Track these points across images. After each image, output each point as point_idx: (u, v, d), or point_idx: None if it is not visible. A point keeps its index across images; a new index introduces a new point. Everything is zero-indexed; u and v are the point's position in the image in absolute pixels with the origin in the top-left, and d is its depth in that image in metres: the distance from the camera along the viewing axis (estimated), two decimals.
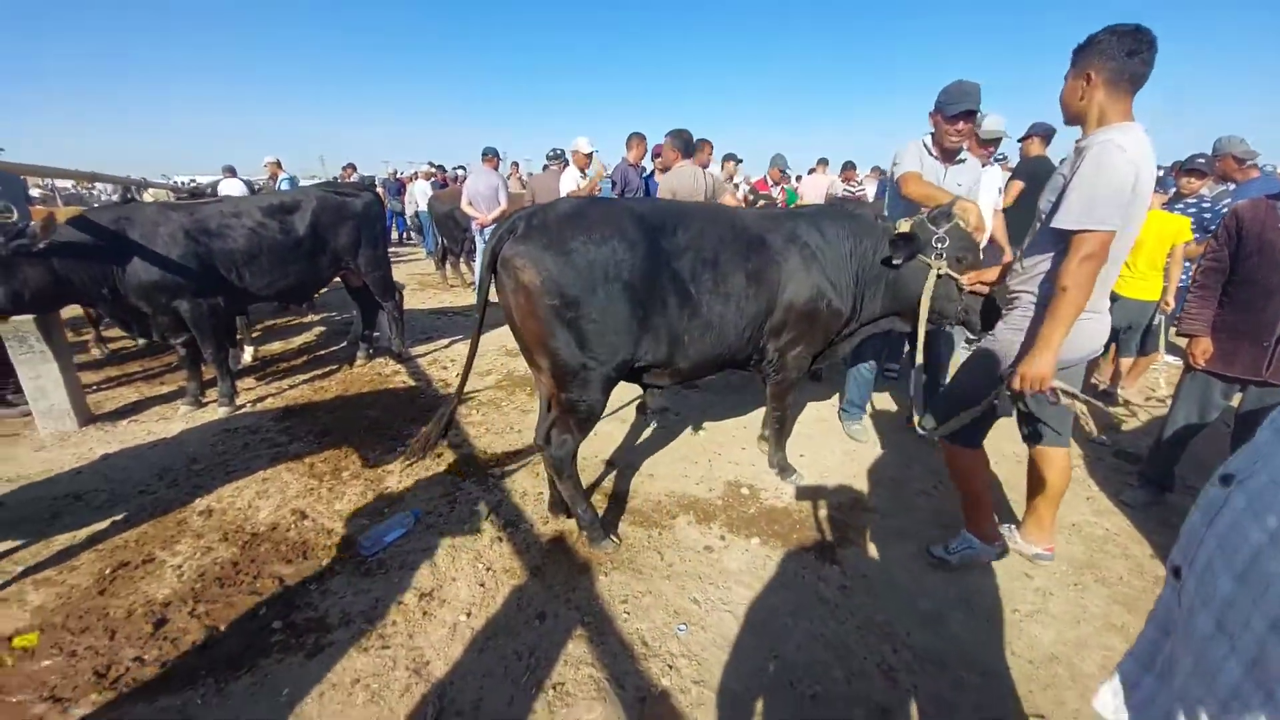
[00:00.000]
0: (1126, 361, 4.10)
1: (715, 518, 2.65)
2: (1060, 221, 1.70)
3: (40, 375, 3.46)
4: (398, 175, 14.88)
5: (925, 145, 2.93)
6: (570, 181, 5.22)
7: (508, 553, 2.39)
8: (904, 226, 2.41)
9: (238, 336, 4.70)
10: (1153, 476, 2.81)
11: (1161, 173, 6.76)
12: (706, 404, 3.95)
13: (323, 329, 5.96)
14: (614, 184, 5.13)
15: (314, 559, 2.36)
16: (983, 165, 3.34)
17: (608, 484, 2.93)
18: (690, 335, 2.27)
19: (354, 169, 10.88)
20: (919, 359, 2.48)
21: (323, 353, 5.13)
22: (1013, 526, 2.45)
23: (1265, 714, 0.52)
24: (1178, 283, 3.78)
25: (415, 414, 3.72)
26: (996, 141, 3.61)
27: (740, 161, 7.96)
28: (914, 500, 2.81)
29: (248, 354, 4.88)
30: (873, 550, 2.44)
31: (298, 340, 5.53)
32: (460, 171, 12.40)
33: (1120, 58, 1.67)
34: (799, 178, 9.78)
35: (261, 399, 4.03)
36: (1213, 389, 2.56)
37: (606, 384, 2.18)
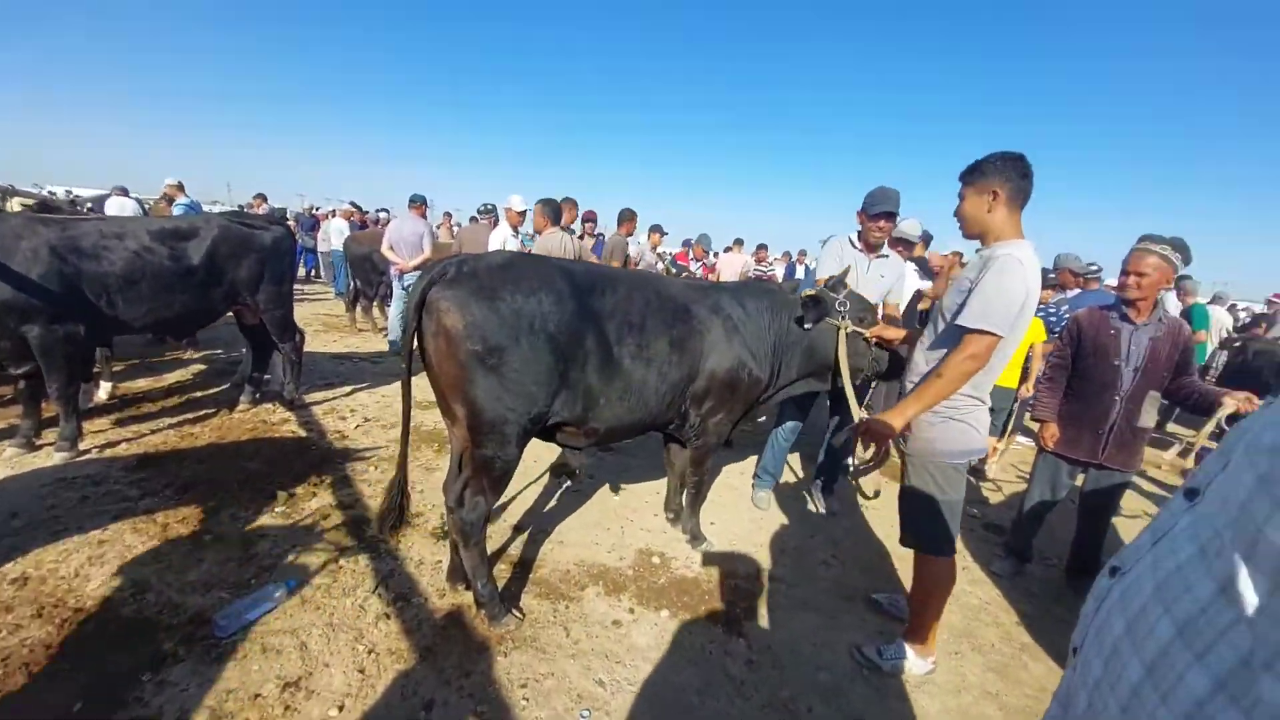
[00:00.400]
0: (993, 440, 4.60)
1: (625, 589, 2.58)
2: (962, 319, 1.88)
3: None
4: (313, 211, 14.18)
5: (850, 240, 3.30)
6: (501, 238, 5.18)
7: (395, 631, 2.16)
8: (809, 293, 2.65)
9: (95, 369, 4.10)
10: (1015, 548, 3.10)
11: None
12: (622, 467, 3.92)
13: (202, 367, 5.36)
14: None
15: (153, 642, 2.00)
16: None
17: (514, 551, 2.78)
18: (610, 396, 2.27)
19: (264, 199, 10.23)
20: (855, 410, 2.63)
21: (199, 394, 4.58)
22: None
23: None
24: (1036, 375, 4.36)
25: (303, 468, 3.38)
26: (910, 243, 4.10)
27: (665, 234, 8.41)
28: (816, 570, 2.89)
29: (103, 390, 4.26)
30: (778, 621, 2.46)
31: (170, 377, 4.92)
32: (384, 214, 12.04)
33: (1016, 179, 1.89)
34: (716, 254, 10.45)
35: (113, 444, 3.49)
36: (1060, 469, 2.91)
37: (522, 438, 2.12)
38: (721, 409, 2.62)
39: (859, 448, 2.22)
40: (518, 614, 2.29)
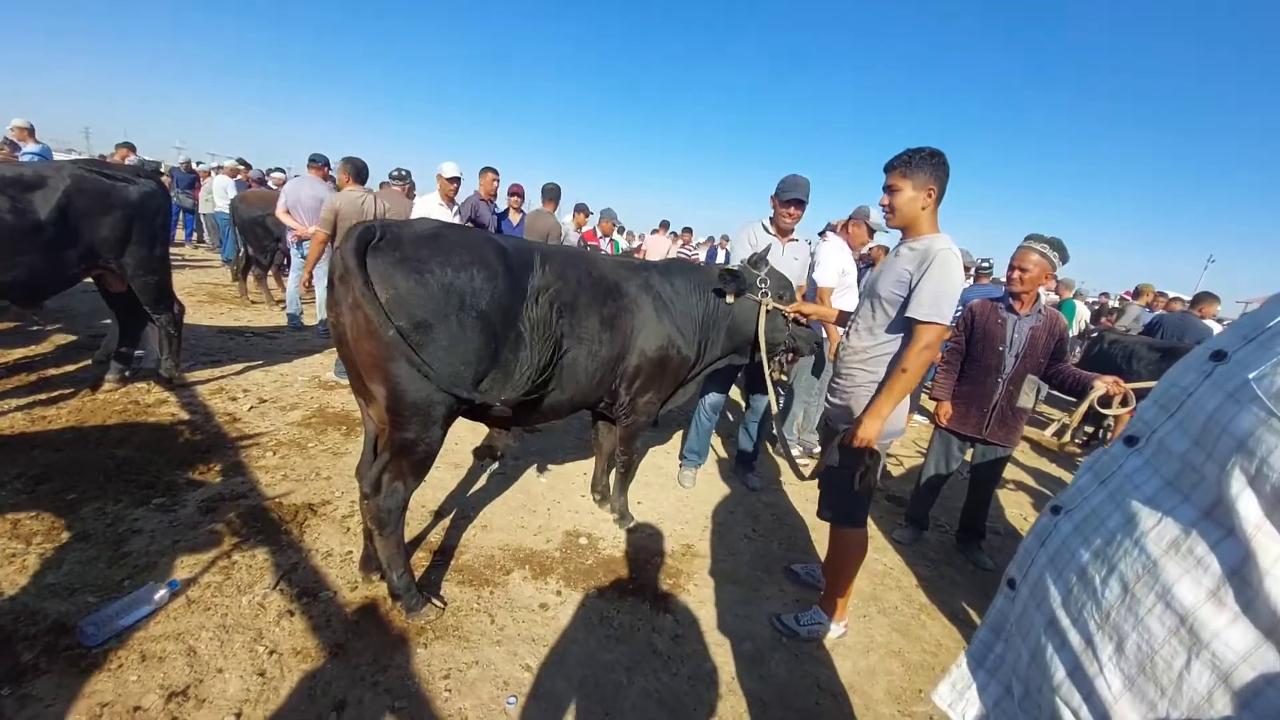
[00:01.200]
0: None
1: (553, 571, 2.54)
2: (913, 312, 1.97)
3: None
4: (192, 166, 12.57)
5: (764, 225, 3.38)
6: (429, 209, 4.71)
7: (301, 630, 2.00)
8: (729, 269, 2.73)
9: None
10: (914, 517, 3.38)
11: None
12: (548, 448, 3.85)
13: (58, 341, 4.63)
14: (462, 216, 4.91)
15: (9, 653, 1.72)
16: (865, 249, 4.08)
17: (435, 538, 2.65)
18: (539, 376, 2.18)
19: (132, 149, 8.91)
20: (770, 397, 2.86)
21: (53, 371, 3.96)
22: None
23: (1093, 689, 0.66)
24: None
25: (186, 454, 3.02)
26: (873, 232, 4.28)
27: (590, 214, 8.27)
28: (738, 544, 3.00)
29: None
30: (702, 595, 2.53)
31: (16, 353, 4.21)
32: (278, 174, 10.91)
33: (945, 178, 2.01)
34: (643, 236, 10.46)
35: None
36: (952, 444, 3.20)
37: (447, 420, 1.99)
38: (651, 387, 2.63)
39: (826, 453, 2.31)
40: (438, 603, 2.19)
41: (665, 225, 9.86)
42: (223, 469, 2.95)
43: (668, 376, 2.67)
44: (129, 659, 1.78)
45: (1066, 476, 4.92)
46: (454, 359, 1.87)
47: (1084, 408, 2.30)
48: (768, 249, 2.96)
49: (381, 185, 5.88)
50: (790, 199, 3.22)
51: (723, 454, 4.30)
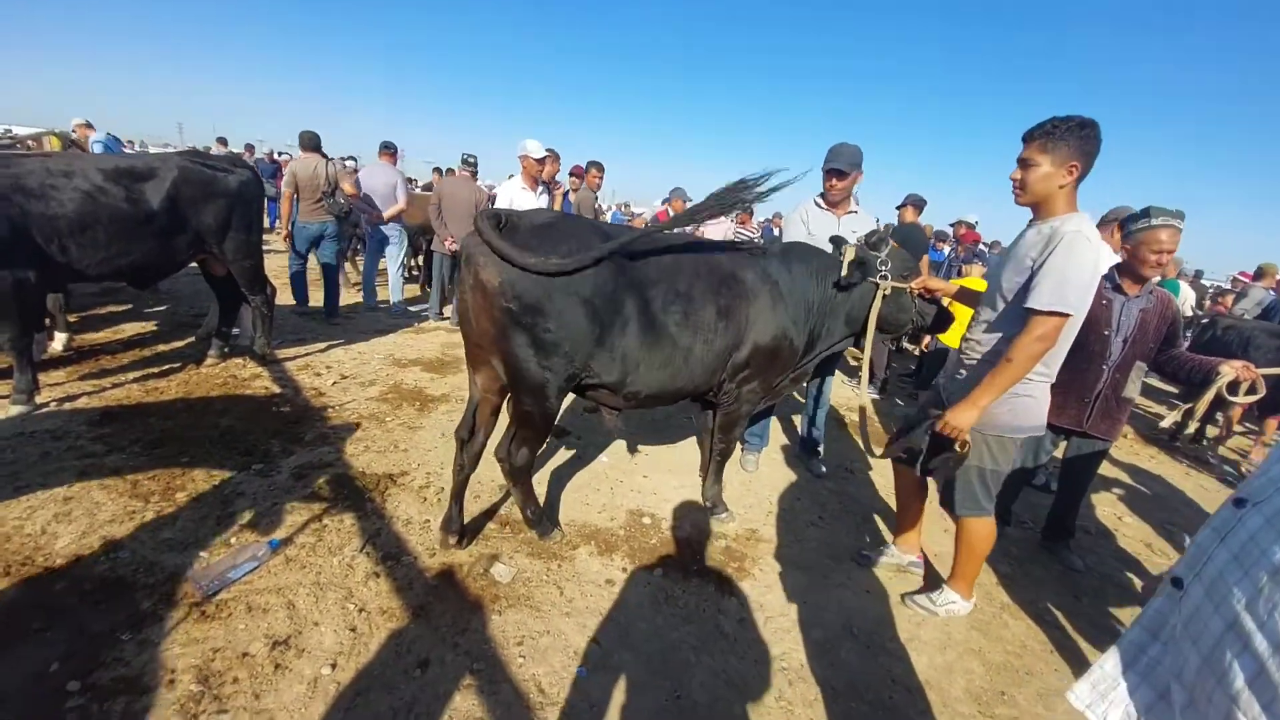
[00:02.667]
0: None
1: (618, 549, 2.57)
2: (1031, 301, 1.82)
3: None
4: (275, 156, 13.39)
5: (816, 201, 3.26)
6: (513, 192, 4.63)
7: (385, 591, 2.12)
8: (850, 254, 2.55)
9: (46, 321, 3.85)
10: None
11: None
12: (611, 429, 3.88)
13: (163, 320, 5.08)
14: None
15: (130, 601, 1.92)
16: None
17: (505, 511, 2.74)
18: (650, 363, 2.24)
19: (224, 143, 9.61)
20: (864, 379, 2.77)
21: (162, 348, 4.34)
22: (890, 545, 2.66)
23: (1278, 696, 0.60)
24: None
25: (279, 425, 3.25)
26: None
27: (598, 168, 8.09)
28: (805, 531, 2.94)
29: (59, 342, 4.00)
30: (769, 581, 2.49)
31: (129, 329, 4.65)
32: (349, 163, 11.44)
33: (1093, 153, 1.80)
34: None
35: (73, 397, 3.30)
36: (1044, 437, 2.98)
37: (560, 394, 2.16)
38: (758, 377, 2.57)
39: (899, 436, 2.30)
40: (561, 530, 2.57)
41: None
42: (311, 439, 3.15)
43: (776, 367, 2.60)
44: (237, 609, 1.94)
45: (1165, 471, 4.50)
46: (561, 341, 1.98)
47: (1210, 394, 2.09)
48: (888, 229, 2.79)
49: (447, 171, 6.03)
50: (828, 170, 3.08)
51: (784, 440, 4.20)
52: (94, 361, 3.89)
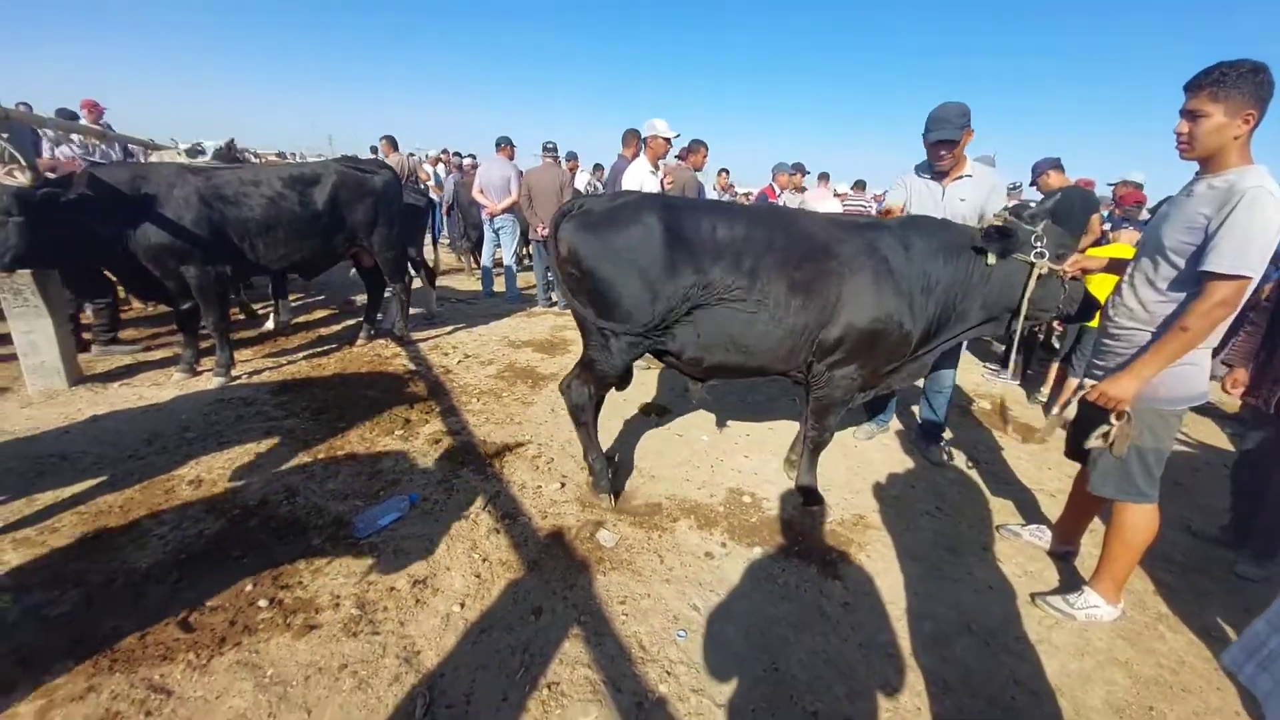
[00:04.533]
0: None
1: (716, 524, 2.61)
2: (1211, 264, 1.63)
3: (33, 330, 3.37)
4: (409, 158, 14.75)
5: (916, 171, 3.02)
6: (641, 174, 4.45)
7: (504, 545, 2.33)
8: (998, 222, 2.29)
9: (272, 306, 4.74)
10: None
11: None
12: (711, 407, 3.91)
13: (321, 306, 5.88)
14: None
15: (305, 538, 2.29)
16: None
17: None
18: (709, 334, 2.28)
19: (393, 145, 10.22)
20: (1011, 367, 2.57)
21: (323, 331, 5.05)
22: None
23: None
24: None
25: (415, 398, 3.66)
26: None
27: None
28: (918, 520, 2.77)
29: (271, 321, 4.94)
30: (876, 568, 2.39)
31: (297, 317, 5.45)
32: (468, 160, 12.32)
33: (1267, 98, 1.62)
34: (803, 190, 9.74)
35: (258, 371, 3.95)
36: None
37: (622, 353, 2.36)
38: (853, 361, 2.39)
39: (1066, 410, 2.12)
40: (611, 497, 2.66)
41: (825, 178, 9.02)
42: (441, 411, 3.52)
43: (879, 352, 2.40)
44: (385, 549, 2.25)
45: None
46: (616, 303, 2.24)
47: None
48: (1052, 196, 2.46)
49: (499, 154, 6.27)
50: (935, 141, 2.76)
51: (902, 424, 3.96)
52: (273, 343, 4.62)
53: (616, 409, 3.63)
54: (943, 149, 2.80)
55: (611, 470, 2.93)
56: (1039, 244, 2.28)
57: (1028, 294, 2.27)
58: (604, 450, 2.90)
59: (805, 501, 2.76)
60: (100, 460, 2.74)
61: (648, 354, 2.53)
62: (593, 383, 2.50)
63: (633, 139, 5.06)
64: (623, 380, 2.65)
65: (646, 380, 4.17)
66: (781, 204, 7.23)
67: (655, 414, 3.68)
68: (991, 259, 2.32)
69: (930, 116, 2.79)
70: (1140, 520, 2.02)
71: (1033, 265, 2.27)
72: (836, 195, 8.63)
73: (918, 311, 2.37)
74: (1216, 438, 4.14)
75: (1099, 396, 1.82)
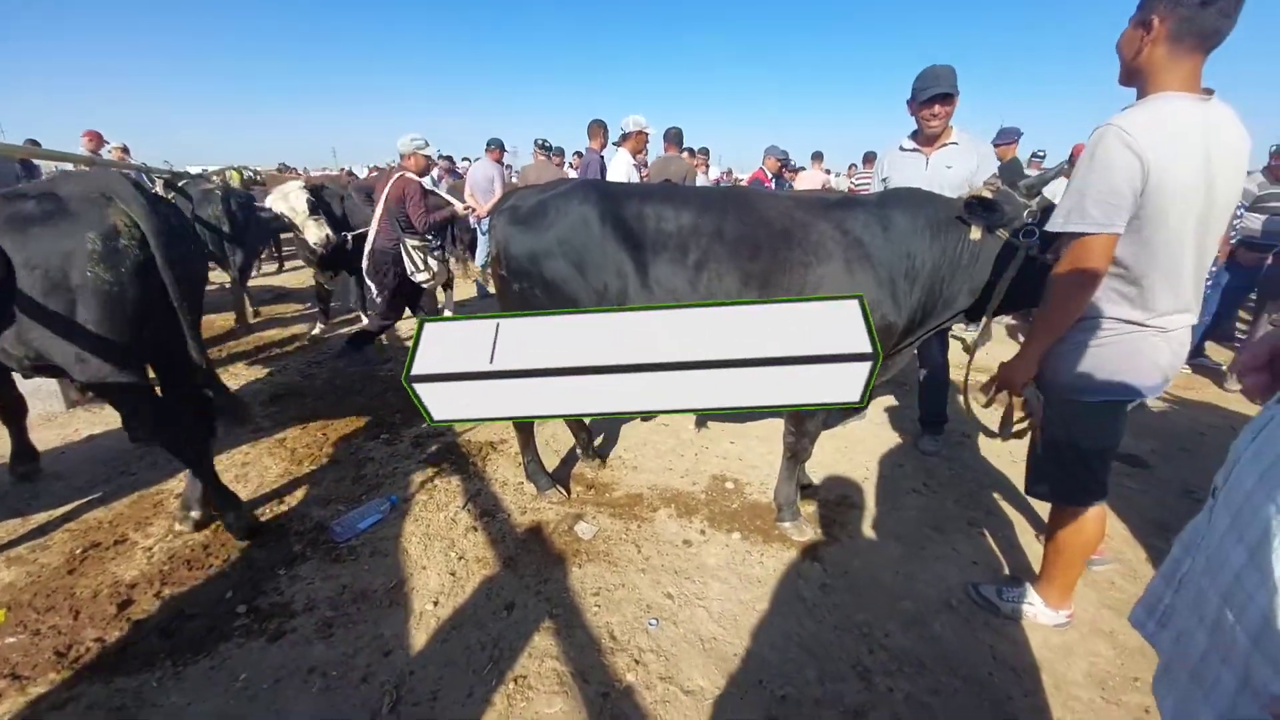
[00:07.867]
0: None
1: (697, 511, 2.59)
2: (1050, 224, 1.51)
3: None
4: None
5: (901, 145, 2.89)
6: (625, 167, 4.45)
7: (482, 542, 2.34)
8: (985, 192, 1.91)
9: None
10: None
11: None
12: None
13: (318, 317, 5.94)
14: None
15: (286, 544, 2.32)
16: None
17: (591, 474, 2.87)
18: None
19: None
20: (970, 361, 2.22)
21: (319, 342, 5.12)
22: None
23: (1262, 590, 0.59)
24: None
25: (400, 403, 3.68)
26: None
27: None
28: (904, 499, 2.73)
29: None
30: (857, 549, 2.36)
31: (296, 328, 5.52)
32: (464, 164, 12.33)
33: (1191, 5, 1.32)
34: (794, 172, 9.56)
35: (253, 383, 4.02)
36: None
37: None
38: None
39: (979, 398, 1.92)
40: (560, 490, 2.64)
41: (819, 157, 8.82)
42: None
43: None
44: (364, 553, 2.27)
45: None
46: (545, 304, 2.13)
47: None
48: (1060, 168, 2.13)
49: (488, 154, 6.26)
50: (930, 97, 2.60)
51: (891, 401, 3.90)
52: (268, 353, 4.68)
53: None
54: (937, 104, 2.63)
55: (600, 464, 2.93)
56: (1031, 219, 1.89)
57: (1005, 279, 1.91)
58: (593, 442, 2.93)
59: (779, 516, 2.46)
60: (94, 479, 2.80)
61: None
62: None
63: (598, 130, 5.02)
64: None
65: None
66: (771, 188, 7.13)
67: None
68: (976, 233, 1.99)
69: (920, 76, 2.64)
70: (1080, 525, 1.79)
71: (1019, 246, 1.89)
72: (846, 173, 8.35)
73: (901, 300, 2.05)
74: (1225, 399, 4.01)
75: (994, 381, 1.71)
